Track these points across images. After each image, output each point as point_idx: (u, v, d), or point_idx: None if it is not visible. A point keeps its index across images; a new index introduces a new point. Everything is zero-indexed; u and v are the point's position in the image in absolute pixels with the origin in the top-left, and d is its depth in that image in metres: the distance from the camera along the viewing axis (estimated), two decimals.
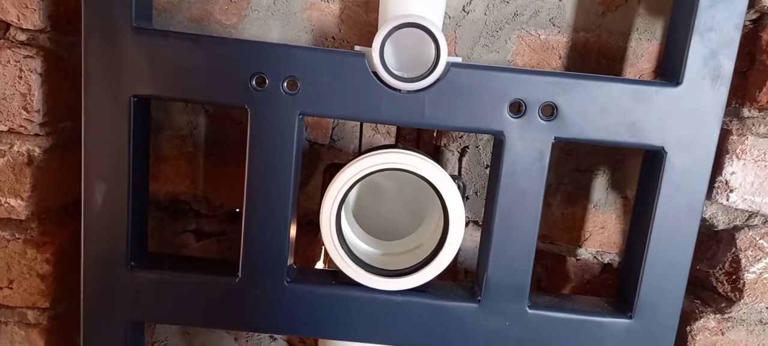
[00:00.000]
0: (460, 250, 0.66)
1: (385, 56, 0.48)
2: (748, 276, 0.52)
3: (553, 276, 0.67)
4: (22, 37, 0.51)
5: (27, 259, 0.54)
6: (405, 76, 0.48)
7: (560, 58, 0.58)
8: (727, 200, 0.51)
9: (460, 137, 0.63)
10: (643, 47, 0.57)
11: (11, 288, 0.55)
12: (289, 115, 0.49)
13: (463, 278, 0.68)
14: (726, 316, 0.55)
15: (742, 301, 0.53)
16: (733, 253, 0.53)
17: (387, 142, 0.64)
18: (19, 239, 0.54)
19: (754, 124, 0.51)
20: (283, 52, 0.48)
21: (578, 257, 0.65)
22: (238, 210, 0.65)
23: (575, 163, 0.62)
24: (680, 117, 0.48)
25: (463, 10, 0.57)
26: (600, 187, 0.62)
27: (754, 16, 0.51)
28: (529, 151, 0.49)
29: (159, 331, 0.71)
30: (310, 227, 0.66)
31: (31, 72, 0.50)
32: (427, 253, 0.53)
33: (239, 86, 0.48)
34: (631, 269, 0.55)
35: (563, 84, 0.48)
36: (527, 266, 0.52)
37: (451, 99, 0.49)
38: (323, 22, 0.58)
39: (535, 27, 0.57)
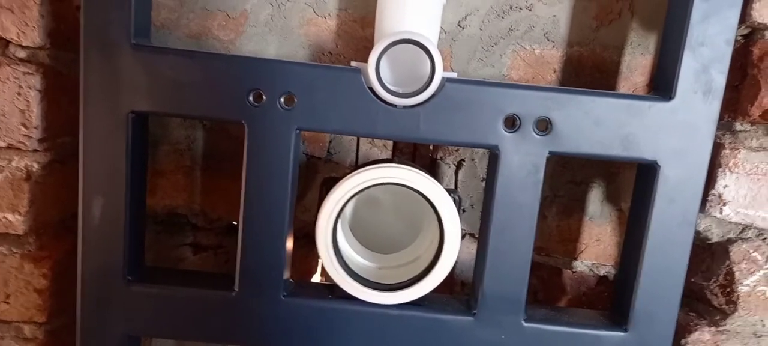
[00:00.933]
0: (456, 262, 0.66)
1: (381, 72, 0.48)
2: (742, 289, 0.53)
3: (549, 288, 0.67)
4: (22, 54, 0.51)
5: (24, 273, 0.55)
6: (400, 91, 0.49)
7: (555, 72, 0.58)
8: (721, 213, 0.52)
9: (456, 150, 0.63)
10: (637, 61, 0.57)
11: (8, 303, 0.55)
12: (285, 130, 0.49)
13: (460, 291, 0.68)
14: (720, 329, 0.55)
15: (736, 314, 0.54)
16: (727, 266, 0.53)
17: (383, 156, 0.64)
18: (16, 253, 0.54)
19: (746, 138, 0.52)
20: (280, 68, 0.49)
21: (574, 270, 0.66)
22: (235, 223, 0.65)
23: (570, 176, 0.62)
24: (673, 131, 0.48)
25: (459, 25, 0.58)
26: (595, 199, 0.63)
27: (745, 31, 0.52)
28: (523, 165, 0.50)
29: (155, 345, 0.71)
30: (307, 240, 0.66)
31: (30, 89, 0.51)
32: (424, 266, 0.53)
33: (236, 102, 0.49)
34: (625, 282, 0.55)
35: (557, 99, 0.48)
36: (523, 279, 0.52)
37: (447, 114, 0.49)
38: (320, 38, 0.58)
39: (529, 42, 0.58)
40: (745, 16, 0.48)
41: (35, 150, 0.52)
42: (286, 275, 0.54)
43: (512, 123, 0.49)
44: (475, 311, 0.53)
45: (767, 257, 0.52)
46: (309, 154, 0.64)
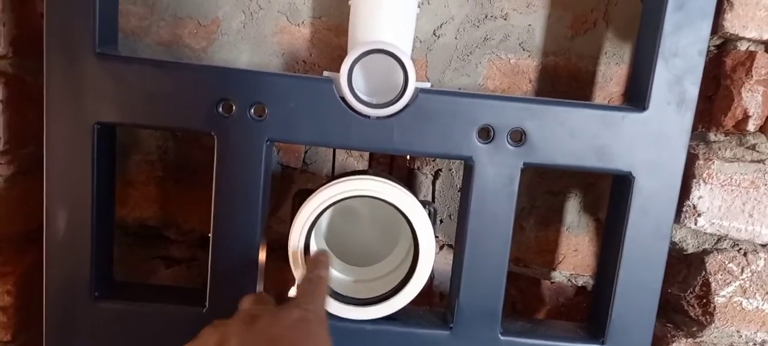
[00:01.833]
0: (435, 274, 0.66)
1: (354, 81, 0.48)
2: (719, 300, 0.53)
3: (527, 299, 0.67)
4: None
5: None
6: (373, 102, 0.48)
7: (530, 81, 0.58)
8: (696, 224, 0.51)
9: (434, 160, 0.63)
10: (612, 71, 0.57)
11: None
12: (256, 141, 0.48)
13: (438, 302, 0.67)
14: (697, 340, 0.55)
15: (713, 325, 0.53)
16: (703, 276, 0.53)
17: (360, 166, 0.63)
18: None
19: (720, 149, 0.52)
20: (250, 78, 0.48)
21: (552, 280, 0.65)
22: (209, 235, 0.64)
23: (548, 186, 0.62)
24: (647, 142, 0.48)
25: (434, 34, 0.57)
26: (573, 209, 0.62)
27: (718, 42, 0.52)
28: (498, 176, 0.49)
29: None
30: (283, 252, 0.65)
31: None
32: (399, 280, 0.52)
33: (205, 113, 0.48)
34: (602, 293, 0.54)
35: (531, 110, 0.48)
36: (499, 291, 0.52)
37: (420, 125, 0.48)
38: (294, 46, 0.58)
39: (505, 51, 0.57)
40: (717, 26, 0.48)
41: None
42: (260, 289, 0.53)
43: (486, 134, 0.49)
44: (451, 325, 0.53)
45: (742, 268, 0.52)
46: (284, 165, 0.63)
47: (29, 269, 0.55)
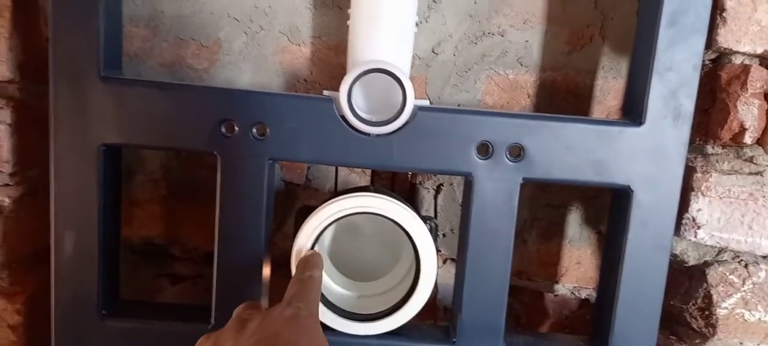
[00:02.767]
0: (439, 288, 0.66)
1: (354, 100, 0.48)
2: (721, 312, 0.53)
3: (531, 312, 0.67)
4: None
5: None
6: (373, 120, 0.49)
7: (529, 96, 0.58)
8: (696, 236, 0.51)
9: (435, 175, 0.63)
10: (610, 85, 0.58)
11: None
12: (258, 160, 0.49)
13: (443, 316, 0.68)
14: None
15: (715, 336, 0.53)
16: (705, 289, 0.53)
17: (362, 182, 0.64)
18: None
19: (718, 161, 0.52)
20: (252, 99, 0.49)
21: (556, 293, 0.65)
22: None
23: (548, 200, 0.62)
24: (644, 156, 0.48)
25: (433, 51, 0.58)
26: (574, 222, 0.63)
27: (712, 56, 0.52)
28: (497, 191, 0.50)
29: None
30: (288, 267, 0.65)
31: (1, 123, 0.50)
32: (402, 295, 0.53)
33: (208, 133, 0.49)
34: (604, 306, 0.55)
35: (529, 125, 0.48)
36: (501, 305, 0.52)
37: (419, 142, 0.49)
38: (295, 66, 0.58)
39: (503, 67, 0.58)
40: (711, 41, 0.49)
41: (6, 184, 0.52)
42: (265, 305, 0.53)
43: (485, 150, 0.49)
44: (454, 340, 0.53)
45: (744, 280, 0.52)
46: (287, 181, 0.63)
47: (38, 288, 0.56)
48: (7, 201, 0.52)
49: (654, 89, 0.47)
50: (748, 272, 0.52)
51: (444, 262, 0.66)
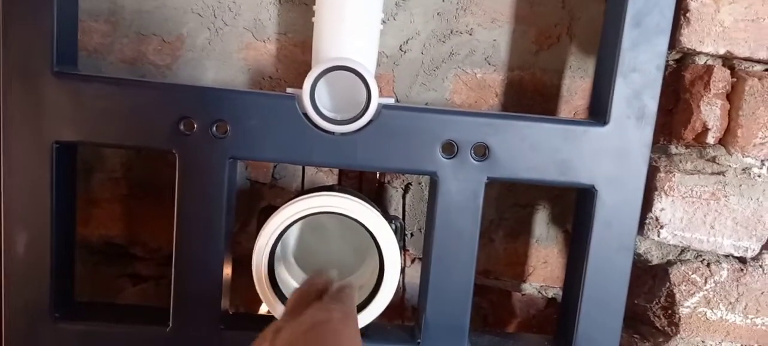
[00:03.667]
0: (406, 287, 0.66)
1: (318, 98, 0.48)
2: (683, 311, 0.53)
3: (498, 311, 0.67)
4: None
5: None
6: (337, 118, 0.48)
7: (497, 96, 0.58)
8: (659, 236, 0.52)
9: (403, 174, 0.63)
10: (577, 85, 0.58)
11: None
12: (218, 159, 0.48)
13: (411, 316, 0.67)
14: None
15: (678, 335, 0.54)
16: (668, 288, 0.53)
17: (330, 181, 0.63)
18: None
19: (681, 161, 0.52)
20: (212, 96, 0.47)
21: (523, 292, 0.65)
22: None
23: (515, 199, 0.62)
24: (608, 156, 0.48)
25: (400, 49, 0.57)
26: (541, 221, 0.63)
27: (676, 56, 0.52)
28: (462, 191, 0.49)
29: None
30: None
31: None
32: (365, 296, 0.52)
33: (167, 131, 0.47)
34: (569, 305, 0.55)
35: (494, 125, 0.48)
36: (465, 306, 0.52)
37: (384, 141, 0.48)
38: (260, 62, 0.57)
39: (471, 66, 0.57)
40: (674, 41, 0.49)
41: None
42: (224, 307, 0.52)
43: (450, 149, 0.49)
44: (419, 340, 0.52)
45: (706, 279, 0.53)
46: (253, 180, 0.62)
47: None
48: None
49: (618, 90, 0.47)
50: (710, 271, 0.53)
51: (412, 261, 0.65)
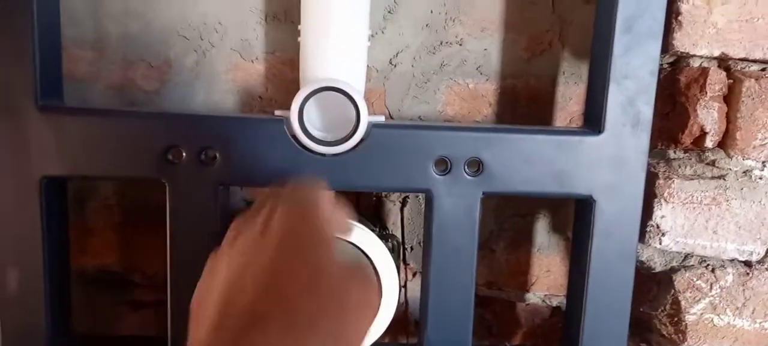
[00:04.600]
0: (408, 303, 0.65)
1: (307, 119, 0.47)
2: (690, 318, 0.52)
3: (503, 322, 0.66)
4: None
5: None
6: (328, 139, 0.47)
7: (490, 105, 0.57)
8: (660, 243, 0.51)
9: None
10: (571, 90, 0.57)
11: None
12: (208, 187, 0.47)
13: (413, 330, 0.66)
14: None
15: (685, 343, 0.53)
16: (673, 295, 0.52)
17: None
18: None
19: (680, 166, 0.51)
20: (199, 123, 0.47)
21: (527, 302, 0.64)
22: None
23: (515, 209, 0.61)
24: (605, 165, 0.47)
25: (391, 63, 0.56)
26: (542, 230, 0.62)
27: (670, 60, 0.51)
28: (458, 207, 0.48)
29: None
30: None
31: None
32: None
33: (155, 160, 0.47)
34: (573, 315, 0.54)
35: (487, 139, 0.47)
36: (467, 321, 0.51)
37: (376, 160, 0.48)
38: (249, 83, 0.57)
39: (462, 76, 0.57)
40: (667, 45, 0.48)
41: None
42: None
43: (443, 165, 0.48)
44: None
45: (711, 285, 0.52)
46: (250, 201, 0.61)
47: None
48: None
49: (612, 97, 0.46)
50: (715, 276, 0.52)
51: (414, 275, 0.65)
